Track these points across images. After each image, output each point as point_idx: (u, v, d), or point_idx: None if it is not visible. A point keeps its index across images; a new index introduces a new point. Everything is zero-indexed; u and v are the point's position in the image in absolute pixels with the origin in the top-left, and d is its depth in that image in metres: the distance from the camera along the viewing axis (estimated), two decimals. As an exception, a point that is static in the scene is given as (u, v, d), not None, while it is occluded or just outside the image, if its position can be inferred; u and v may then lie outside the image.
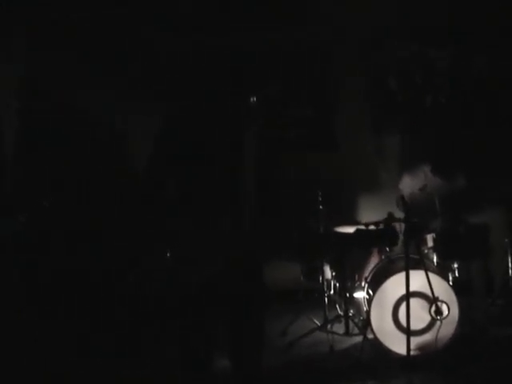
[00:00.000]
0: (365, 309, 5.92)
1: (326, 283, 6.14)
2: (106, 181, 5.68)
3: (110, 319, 5.62)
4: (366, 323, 5.64)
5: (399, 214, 5.87)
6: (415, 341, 5.28)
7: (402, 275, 4.91)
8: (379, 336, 5.44)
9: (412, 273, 4.85)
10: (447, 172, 6.48)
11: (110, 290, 5.65)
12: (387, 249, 5.87)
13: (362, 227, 5.76)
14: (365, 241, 5.55)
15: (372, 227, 5.63)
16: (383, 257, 5.94)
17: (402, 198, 5.25)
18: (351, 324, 6.10)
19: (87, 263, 5.66)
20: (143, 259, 3.46)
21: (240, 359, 3.63)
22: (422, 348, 5.38)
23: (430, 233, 6.05)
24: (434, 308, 5.28)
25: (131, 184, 6.43)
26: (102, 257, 5.48)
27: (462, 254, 5.81)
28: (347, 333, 6.11)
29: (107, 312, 5.59)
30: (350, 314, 6.13)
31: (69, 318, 5.62)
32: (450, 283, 5.59)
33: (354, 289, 6.13)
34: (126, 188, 6.45)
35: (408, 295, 4.79)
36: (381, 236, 5.63)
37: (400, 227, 5.82)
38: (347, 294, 6.07)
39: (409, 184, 6.62)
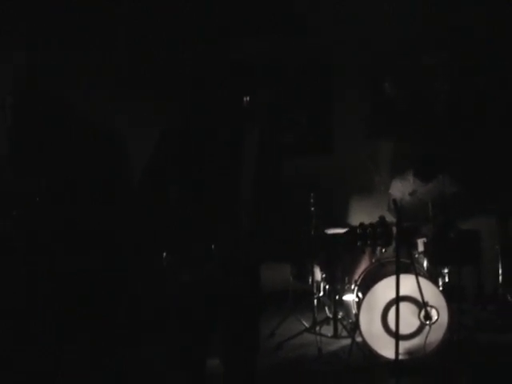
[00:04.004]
0: (354, 312, 5.91)
1: (315, 285, 6.13)
2: (101, 181, 5.65)
3: (108, 320, 5.59)
4: (355, 326, 5.64)
5: (390, 218, 5.87)
6: (404, 345, 5.28)
7: (392, 279, 4.89)
8: (368, 339, 5.44)
9: (402, 277, 4.83)
10: (426, 177, 6.52)
11: (104, 290, 5.62)
12: (377, 252, 5.87)
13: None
14: (357, 239, 5.53)
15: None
16: (373, 260, 5.94)
17: (394, 201, 5.23)
18: (340, 326, 6.10)
19: (81, 263, 5.61)
20: (138, 261, 3.43)
21: (234, 362, 3.61)
22: (410, 352, 5.38)
23: (421, 237, 6.05)
24: (423, 313, 5.28)
25: (126, 184, 6.40)
26: (95, 257, 5.45)
27: (452, 260, 5.81)
28: (336, 335, 6.11)
29: (104, 313, 5.55)
30: (339, 317, 6.12)
31: (67, 319, 5.57)
32: (440, 288, 5.59)
33: (343, 291, 6.13)
34: (122, 188, 6.42)
35: (398, 299, 4.78)
36: (374, 234, 5.62)
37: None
38: (336, 297, 6.07)
39: (398, 189, 6.64)
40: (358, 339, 5.59)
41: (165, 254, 3.39)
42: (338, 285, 6.07)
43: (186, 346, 3.56)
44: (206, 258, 3.36)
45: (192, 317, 3.49)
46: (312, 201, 6.10)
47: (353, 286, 5.93)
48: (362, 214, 7.22)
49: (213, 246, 3.36)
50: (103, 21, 6.73)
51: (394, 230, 5.02)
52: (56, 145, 6.59)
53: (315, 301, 6.19)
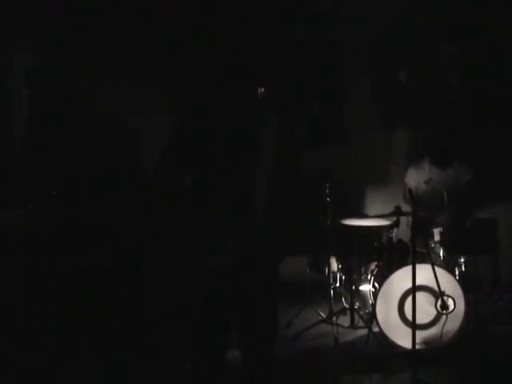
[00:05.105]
0: (370, 302, 5.92)
1: (331, 275, 6.14)
2: (115, 174, 5.66)
3: (119, 314, 5.60)
4: (372, 316, 5.65)
5: (406, 208, 5.87)
6: (420, 335, 5.28)
7: (409, 269, 4.89)
8: (384, 329, 5.45)
9: (418, 267, 4.84)
10: (442, 164, 6.49)
11: (118, 285, 5.62)
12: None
13: (371, 224, 5.79)
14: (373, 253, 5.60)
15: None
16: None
17: (410, 191, 5.23)
18: (356, 317, 6.11)
19: (95, 257, 5.62)
20: (153, 253, 3.44)
21: (252, 352, 3.63)
22: (427, 342, 5.38)
23: (437, 227, 6.04)
24: (439, 302, 5.27)
25: (140, 177, 6.42)
26: (109, 251, 5.46)
27: (468, 249, 5.80)
28: (352, 325, 6.12)
29: (118, 306, 5.56)
30: (356, 307, 6.13)
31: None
32: (457, 278, 5.58)
33: (359, 281, 6.13)
34: (136, 181, 6.44)
35: (414, 289, 4.78)
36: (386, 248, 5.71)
37: (408, 222, 5.82)
38: (353, 287, 6.07)
39: (414, 178, 6.62)
40: (375, 329, 5.59)
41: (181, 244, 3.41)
42: (354, 275, 6.07)
43: (203, 337, 3.59)
44: (218, 251, 3.37)
45: (208, 307, 3.51)
46: (327, 191, 6.10)
47: (369, 276, 5.93)
48: (377, 204, 7.21)
49: (229, 236, 3.37)
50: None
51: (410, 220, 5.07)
52: (70, 140, 6.61)
53: (332, 291, 6.20)
